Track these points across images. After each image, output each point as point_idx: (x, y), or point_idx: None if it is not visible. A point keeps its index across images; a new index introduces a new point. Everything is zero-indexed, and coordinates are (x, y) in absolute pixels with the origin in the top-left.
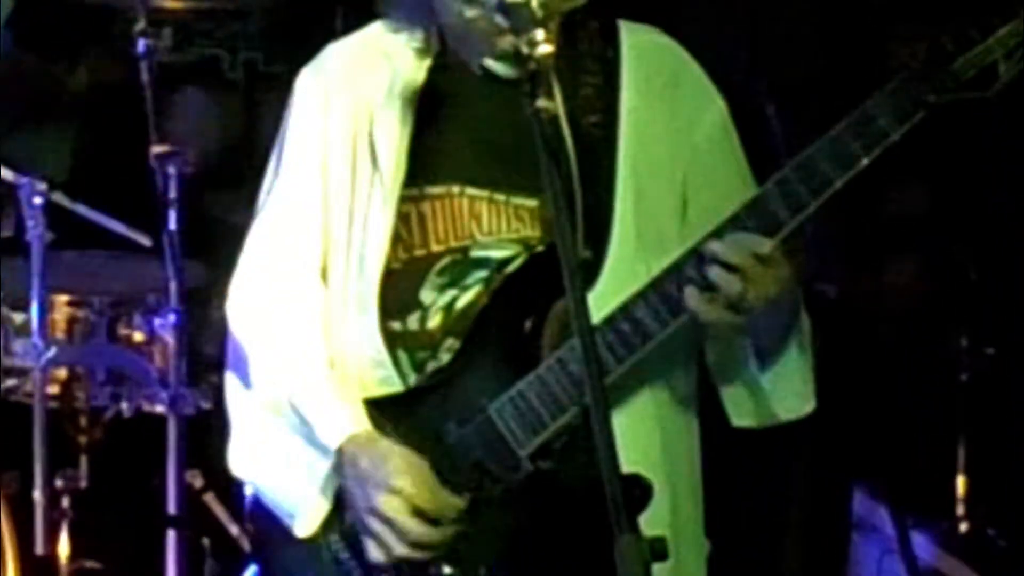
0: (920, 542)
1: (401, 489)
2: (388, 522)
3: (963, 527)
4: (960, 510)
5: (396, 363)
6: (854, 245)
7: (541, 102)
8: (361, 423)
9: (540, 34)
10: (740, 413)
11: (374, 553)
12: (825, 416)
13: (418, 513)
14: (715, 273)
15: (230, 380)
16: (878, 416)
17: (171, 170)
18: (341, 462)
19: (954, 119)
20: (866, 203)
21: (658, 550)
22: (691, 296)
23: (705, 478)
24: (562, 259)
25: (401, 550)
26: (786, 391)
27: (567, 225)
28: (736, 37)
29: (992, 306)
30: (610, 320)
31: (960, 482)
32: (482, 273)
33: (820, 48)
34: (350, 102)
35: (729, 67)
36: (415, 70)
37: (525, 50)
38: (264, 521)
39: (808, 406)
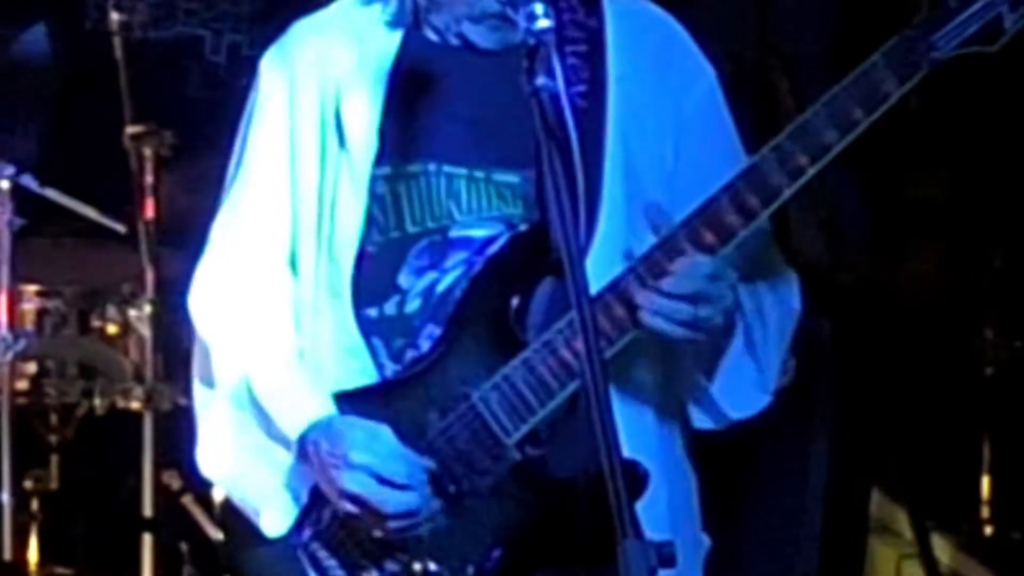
0: (941, 546)
1: (362, 463)
2: (360, 501)
3: (987, 530)
4: (984, 512)
5: (372, 352)
6: (873, 231)
7: (541, 80)
8: (324, 410)
9: (539, 7)
10: (695, 417)
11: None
12: (841, 413)
13: (387, 482)
14: (669, 307)
15: (196, 377)
16: (897, 412)
17: (147, 152)
18: (305, 453)
19: (979, 99)
20: (886, 187)
21: (665, 555)
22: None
23: (718, 478)
24: (562, 247)
25: (388, 524)
26: (734, 392)
27: (567, 209)
28: (745, 8)
29: (1019, 295)
30: (597, 297)
31: (984, 482)
32: (463, 254)
33: (834, 18)
34: (317, 81)
35: (739, 39)
36: (386, 43)
37: (523, 24)
38: (237, 523)
39: (762, 400)
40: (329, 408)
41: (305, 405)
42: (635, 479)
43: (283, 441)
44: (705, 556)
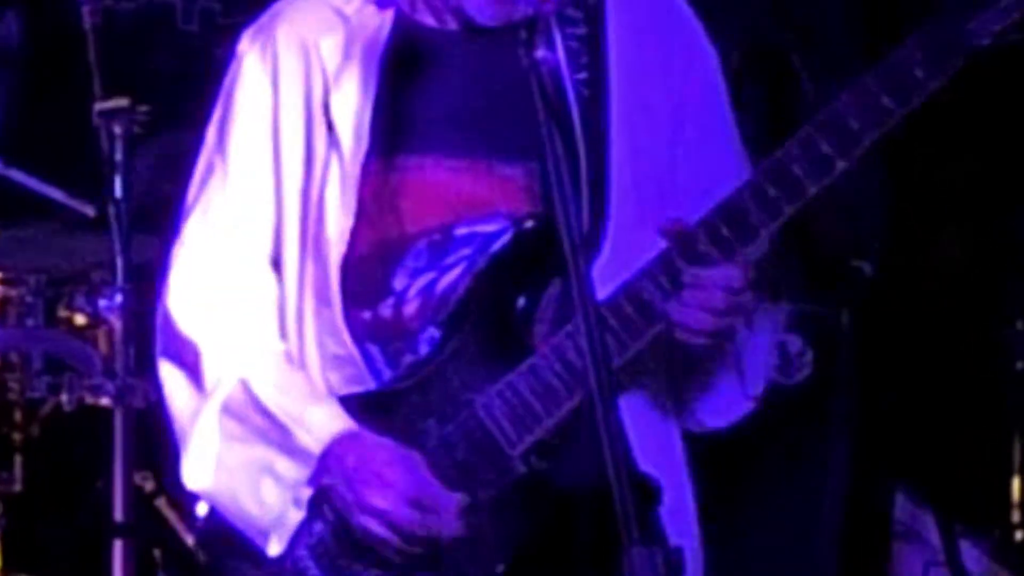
0: (970, 552)
1: (394, 481)
2: (382, 516)
3: (1018, 535)
4: (1015, 516)
5: (368, 359)
6: (895, 216)
7: (540, 52)
8: (341, 420)
9: None
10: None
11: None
12: (863, 411)
13: (414, 504)
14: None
15: (175, 381)
16: (922, 411)
17: (117, 130)
18: (326, 466)
19: (1011, 75)
20: (910, 168)
21: (674, 562)
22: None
23: (728, 481)
24: (563, 234)
25: (401, 545)
26: (710, 399)
27: (569, 194)
28: None
29: None
30: (611, 300)
31: (1015, 485)
32: (465, 252)
33: None
34: (301, 67)
35: (752, 13)
36: (377, 25)
37: None
38: (218, 541)
39: (742, 407)
40: (345, 417)
41: (323, 418)
42: (647, 493)
43: (301, 455)
44: (703, 566)
